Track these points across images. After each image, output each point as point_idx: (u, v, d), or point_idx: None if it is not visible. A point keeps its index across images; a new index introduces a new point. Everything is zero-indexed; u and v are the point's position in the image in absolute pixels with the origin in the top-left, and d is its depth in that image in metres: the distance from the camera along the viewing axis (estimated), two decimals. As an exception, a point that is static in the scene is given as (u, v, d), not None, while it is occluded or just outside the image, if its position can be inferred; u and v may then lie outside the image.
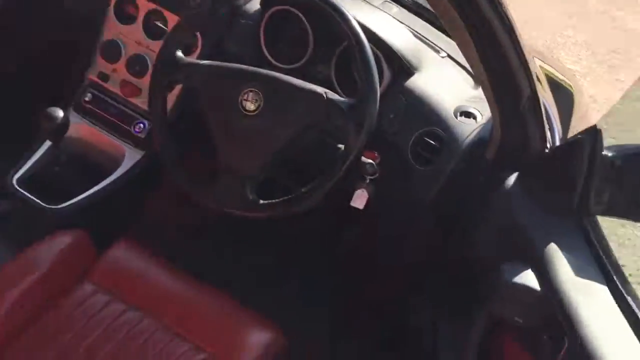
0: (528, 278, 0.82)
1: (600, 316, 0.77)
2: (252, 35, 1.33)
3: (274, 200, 1.08)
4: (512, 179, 1.00)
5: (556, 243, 0.87)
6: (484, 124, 1.19)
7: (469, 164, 1.17)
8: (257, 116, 1.07)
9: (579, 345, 0.72)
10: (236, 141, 1.10)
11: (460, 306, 1.06)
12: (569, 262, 0.84)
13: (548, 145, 1.03)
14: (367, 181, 1.17)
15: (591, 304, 0.78)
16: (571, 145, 0.92)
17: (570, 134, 1.15)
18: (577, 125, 1.22)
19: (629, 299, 0.80)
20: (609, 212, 0.93)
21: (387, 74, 1.25)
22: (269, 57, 1.34)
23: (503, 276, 0.83)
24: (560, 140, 1.09)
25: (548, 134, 1.04)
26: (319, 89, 1.07)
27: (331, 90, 1.08)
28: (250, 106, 1.07)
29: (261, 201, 1.09)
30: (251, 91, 1.07)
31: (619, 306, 0.80)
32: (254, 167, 1.09)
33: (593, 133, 0.87)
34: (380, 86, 1.11)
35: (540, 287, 0.81)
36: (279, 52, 1.34)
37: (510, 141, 1.04)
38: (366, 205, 1.17)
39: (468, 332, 0.89)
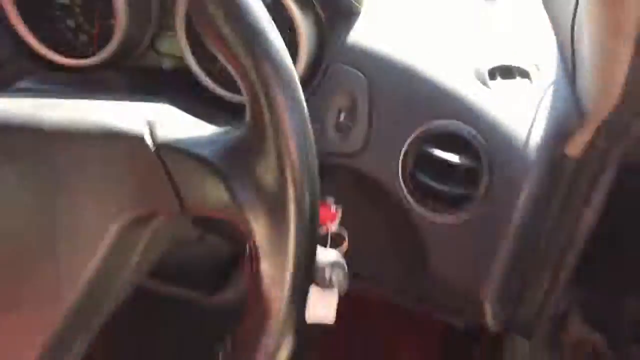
0: None
1: None
2: None
3: None
4: None
5: None
6: (555, 81, 0.61)
7: (552, 185, 0.58)
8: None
9: None
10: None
11: None
12: None
13: None
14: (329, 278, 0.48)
15: None
16: None
17: None
18: None
19: None
20: None
21: (304, 24, 0.60)
22: (40, 48, 0.65)
23: None
24: None
25: None
26: (137, 126, 0.44)
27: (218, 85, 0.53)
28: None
29: None
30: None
31: None
32: None
33: None
34: (303, 54, 0.58)
35: None
36: (59, 34, 0.66)
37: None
38: (340, 313, 0.52)
39: None
